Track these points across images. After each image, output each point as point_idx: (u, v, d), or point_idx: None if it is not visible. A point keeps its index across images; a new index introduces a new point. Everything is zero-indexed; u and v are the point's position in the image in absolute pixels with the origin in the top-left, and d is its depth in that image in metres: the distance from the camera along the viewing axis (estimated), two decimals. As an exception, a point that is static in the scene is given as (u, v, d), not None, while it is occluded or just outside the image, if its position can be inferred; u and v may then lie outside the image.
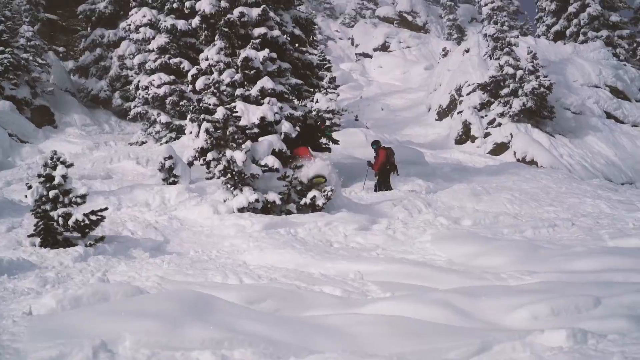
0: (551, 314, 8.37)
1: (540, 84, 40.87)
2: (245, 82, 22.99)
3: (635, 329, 7.41)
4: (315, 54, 35.06)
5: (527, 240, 16.33)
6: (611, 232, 17.32)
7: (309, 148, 19.87)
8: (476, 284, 11.72)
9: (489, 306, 8.92)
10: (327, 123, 23.86)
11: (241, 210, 19.02)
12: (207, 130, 20.46)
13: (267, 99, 22.42)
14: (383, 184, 24.45)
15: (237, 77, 22.74)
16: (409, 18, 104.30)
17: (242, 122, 21.19)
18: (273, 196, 19.94)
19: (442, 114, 48.95)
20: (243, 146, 19.70)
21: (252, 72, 22.72)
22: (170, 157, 22.17)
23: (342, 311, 9.10)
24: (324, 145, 25.91)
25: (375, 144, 25.52)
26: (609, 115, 46.12)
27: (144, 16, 36.72)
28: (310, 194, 19.91)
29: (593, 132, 43.30)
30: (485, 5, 51.27)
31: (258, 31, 23.43)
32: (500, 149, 40.79)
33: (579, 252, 14.11)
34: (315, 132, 20.70)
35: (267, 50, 22.83)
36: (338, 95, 46.29)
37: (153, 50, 35.30)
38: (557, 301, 8.60)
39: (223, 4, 23.68)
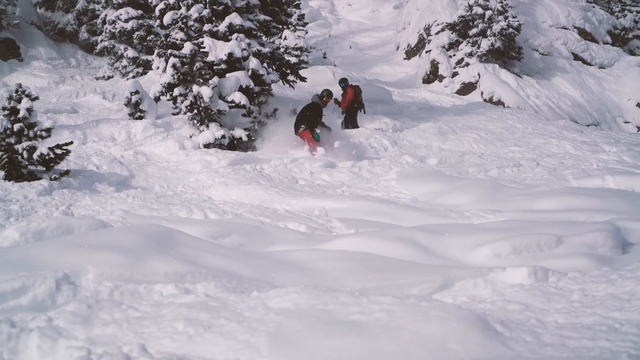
0: (513, 252, 8.41)
1: (509, 24, 40.82)
2: (214, 18, 22.72)
3: (595, 267, 7.49)
4: (285, -10, 34.78)
5: (492, 180, 16.43)
6: (575, 173, 17.47)
7: (313, 131, 19.65)
8: (440, 222, 11.79)
9: (452, 244, 8.94)
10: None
11: (207, 146, 19.07)
12: (174, 66, 20.34)
13: (235, 35, 22.20)
14: (350, 122, 24.39)
15: (205, 12, 22.47)
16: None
17: (210, 58, 21.03)
18: (240, 132, 20.09)
19: (411, 53, 48.76)
20: (210, 82, 19.67)
21: (220, 7, 22.46)
22: (136, 92, 22.06)
23: (306, 247, 9.15)
24: (290, 83, 25.84)
25: (343, 82, 25.27)
26: (577, 57, 46.22)
27: (112, -52, 36.22)
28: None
29: (560, 73, 43.41)
30: (456, -56, 50.98)
31: (227, -34, 23.01)
32: (467, 88, 40.79)
33: (542, 192, 14.19)
34: (319, 111, 20.37)
35: (235, -15, 22.48)
36: (306, 33, 45.94)
37: (121, -16, 34.92)
38: (519, 239, 8.62)
39: (192, -64, 23.34)
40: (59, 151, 14.48)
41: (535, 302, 6.17)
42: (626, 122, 42.23)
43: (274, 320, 4.97)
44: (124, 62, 34.73)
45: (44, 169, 14.50)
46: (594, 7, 50.82)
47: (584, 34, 47.77)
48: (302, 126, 19.72)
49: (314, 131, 19.58)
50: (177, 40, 21.59)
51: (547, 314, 5.78)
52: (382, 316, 5.07)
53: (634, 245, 9.25)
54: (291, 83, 26.11)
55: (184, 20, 21.87)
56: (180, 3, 22.71)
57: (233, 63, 22.14)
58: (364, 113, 24.94)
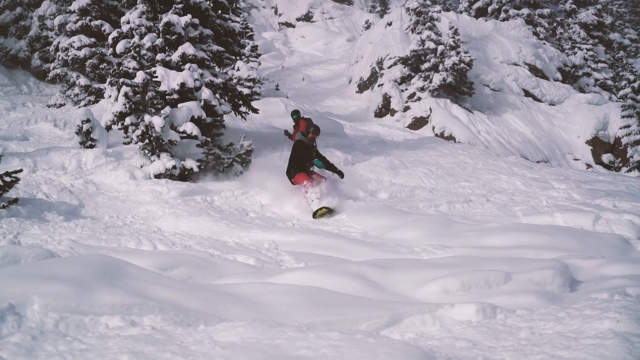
0: (462, 289, 8.39)
1: (461, 59, 41.33)
2: (167, 47, 22.76)
3: (543, 305, 7.53)
4: (238, 22, 34.81)
5: (442, 215, 16.49)
6: (524, 209, 17.61)
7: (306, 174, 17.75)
8: (390, 256, 11.82)
9: (401, 279, 8.93)
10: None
11: (158, 176, 19.00)
12: (126, 94, 20.29)
13: (187, 65, 22.21)
14: (301, 155, 24.22)
15: (159, 41, 22.50)
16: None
17: (162, 88, 21.03)
18: (190, 163, 19.97)
19: (363, 86, 49.10)
20: (162, 112, 19.64)
21: (173, 37, 22.49)
22: (88, 121, 21.92)
23: (255, 280, 9.09)
24: (242, 114, 25.88)
25: (295, 114, 25.52)
26: (527, 93, 46.92)
27: (65, -24, 36.14)
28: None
29: (511, 109, 43.99)
30: (409, -21, 51.54)
31: (181, -4, 23.08)
32: (419, 123, 41.13)
33: (492, 228, 14.28)
34: (308, 148, 18.55)
35: (189, 15, 22.57)
36: (259, 64, 46.14)
37: (74, 12, 34.77)
38: (468, 276, 8.61)
39: (146, -33, 23.36)
40: (7, 179, 14.31)
41: (483, 339, 6.18)
42: (575, 159, 42.85)
43: (220, 355, 4.92)
44: (76, 90, 34.55)
45: (-8, 196, 14.34)
46: (544, 44, 51.66)
47: (535, 71, 48.51)
48: (293, 170, 17.82)
49: (310, 170, 18.18)
50: (129, 69, 21.52)
51: (494, 351, 5.80)
52: (329, 352, 5.05)
53: (582, 283, 9.30)
54: (243, 114, 25.99)
55: (137, 49, 21.82)
56: (134, 32, 22.66)
57: (185, 93, 22.06)
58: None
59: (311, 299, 7.56)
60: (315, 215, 16.37)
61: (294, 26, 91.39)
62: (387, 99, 43.73)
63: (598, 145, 43.86)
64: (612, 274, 9.76)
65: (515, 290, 8.32)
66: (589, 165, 42.46)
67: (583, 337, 5.87)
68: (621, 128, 40.16)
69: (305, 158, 18.16)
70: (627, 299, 7.19)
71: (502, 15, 56.15)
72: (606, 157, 43.64)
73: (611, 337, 5.69)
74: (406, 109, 42.68)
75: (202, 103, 22.19)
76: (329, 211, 16.49)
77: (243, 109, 25.81)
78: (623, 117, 39.76)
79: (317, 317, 6.90)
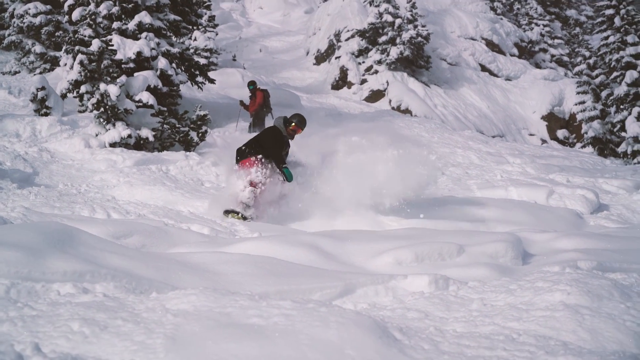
0: (415, 260, 8.44)
1: (418, 33, 41.45)
2: (123, 16, 22.64)
3: (495, 277, 7.58)
4: (196, -9, 34.67)
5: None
6: (479, 183, 17.81)
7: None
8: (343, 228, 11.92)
9: (354, 250, 8.96)
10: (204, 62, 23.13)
11: (113, 145, 18.88)
12: (81, 63, 20.20)
13: (144, 34, 22.18)
14: (257, 125, 24.47)
15: (115, 9, 22.40)
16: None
17: (118, 56, 20.99)
18: (146, 132, 19.94)
19: (320, 58, 49.01)
20: (118, 80, 19.55)
21: (130, 5, 22.45)
22: (43, 88, 21.66)
23: (209, 249, 9.08)
24: (199, 84, 25.85)
25: (252, 85, 25.51)
26: (484, 68, 47.18)
27: (21, -60, 35.65)
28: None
29: (468, 83, 44.22)
30: (368, -49, 51.43)
31: (138, -37, 22.93)
32: (376, 96, 41.19)
33: (445, 200, 14.42)
34: (281, 142, 13.83)
35: (146, -17, 22.40)
36: (217, 35, 45.78)
37: (29, -22, 34.41)
38: (422, 247, 8.65)
39: None
40: (-41, 146, 14.24)
41: (435, 310, 6.21)
42: (531, 135, 43.23)
43: (172, 322, 4.91)
44: (31, 57, 34.15)
45: (-56, 163, 14.24)
46: (502, 19, 51.94)
47: (492, 46, 48.78)
48: (248, 151, 13.56)
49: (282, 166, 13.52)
50: (85, 37, 21.36)
51: (446, 322, 5.83)
52: (280, 320, 5.06)
53: (534, 257, 9.41)
54: (200, 84, 26.19)
55: (93, 16, 21.64)
56: (90, -1, 22.51)
57: (142, 62, 22.14)
58: (272, 117, 24.89)
59: (264, 268, 7.55)
60: (226, 213, 13.16)
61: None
62: (344, 72, 43.71)
63: (553, 120, 44.25)
64: (564, 248, 9.91)
65: (468, 263, 8.40)
66: (543, 141, 42.86)
67: (534, 308, 5.93)
68: (576, 104, 40.41)
69: (274, 151, 13.53)
70: (578, 272, 7.21)
71: (461, -11, 56.29)
72: (561, 133, 44.06)
73: (562, 309, 5.76)
74: (363, 81, 42.72)
75: (158, 72, 22.28)
76: (242, 218, 13.08)
77: (200, 79, 26.05)
78: (578, 93, 39.99)
79: (269, 287, 6.88)
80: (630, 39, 36.21)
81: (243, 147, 13.71)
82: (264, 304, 5.44)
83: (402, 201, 12.53)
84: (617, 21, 37.06)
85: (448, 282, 7.21)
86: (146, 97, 20.93)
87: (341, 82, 43.56)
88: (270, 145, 13.52)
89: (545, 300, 6.08)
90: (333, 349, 4.63)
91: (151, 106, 21.12)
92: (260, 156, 13.30)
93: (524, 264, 9.04)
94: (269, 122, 24.54)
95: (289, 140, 14.07)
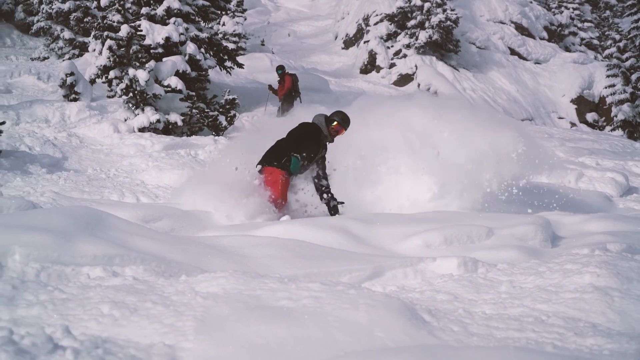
0: (444, 243, 8.31)
1: (447, 17, 41.25)
2: (151, 1, 22.71)
3: (524, 259, 7.49)
4: (224, -24, 34.70)
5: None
6: (508, 167, 17.70)
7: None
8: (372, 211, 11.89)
9: (383, 233, 8.84)
10: (233, 47, 23.29)
11: (142, 130, 18.99)
12: (110, 48, 20.23)
13: (172, 19, 22.24)
14: (287, 110, 24.41)
15: (143, -5, 22.47)
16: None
17: (147, 42, 21.02)
18: (175, 117, 20.03)
19: (349, 42, 48.92)
20: (146, 65, 19.63)
21: (158, -10, 22.36)
22: (72, 74, 21.78)
23: (237, 233, 9.04)
24: (227, 69, 25.90)
25: (281, 69, 25.34)
26: (513, 52, 46.90)
27: None
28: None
29: (496, 67, 43.99)
30: None
31: (167, -51, 22.97)
32: (404, 80, 41.10)
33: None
34: (318, 143, 11.35)
35: (174, -31, 22.45)
36: (245, 19, 45.73)
37: (58, -36, 34.55)
38: (451, 230, 8.53)
39: None
40: (-10, 131, 14.33)
41: (464, 292, 6.14)
42: (560, 118, 42.94)
43: (201, 305, 4.86)
44: (60, 43, 34.38)
45: (-25, 149, 14.34)
46: (531, 2, 51.53)
47: (521, 29, 48.48)
48: (275, 163, 10.90)
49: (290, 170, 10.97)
50: (114, 22, 21.43)
51: (475, 304, 5.78)
52: (310, 302, 5.01)
53: (564, 239, 9.29)
54: (228, 69, 26.29)
55: (122, 2, 21.72)
56: (118, -15, 22.58)
57: (170, 47, 22.24)
58: (300, 102, 25.24)
59: (293, 251, 7.50)
60: None
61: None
62: (372, 56, 43.62)
63: (582, 104, 43.97)
64: (593, 230, 9.79)
65: (497, 245, 8.28)
66: (573, 124, 42.59)
67: (563, 290, 5.87)
68: (606, 87, 40.24)
69: (306, 155, 11.11)
70: (607, 255, 7.12)
71: (489, -28, 55.97)
72: (590, 116, 43.76)
73: (591, 291, 5.71)
74: (392, 65, 42.61)
75: (186, 57, 22.33)
76: None
77: (228, 63, 26.15)
78: (608, 76, 39.82)
79: (298, 270, 6.78)
80: None
81: (274, 151, 11.01)
82: (292, 287, 5.41)
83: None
84: (648, 3, 36.83)
85: (477, 265, 7.13)
86: (175, 82, 20.98)
87: (370, 66, 43.48)
88: (304, 145, 11.01)
89: (574, 282, 6.05)
90: (362, 330, 4.61)
91: (180, 91, 21.17)
92: (286, 173, 10.83)
93: (553, 247, 8.93)
94: (297, 107, 24.60)
95: (327, 142, 11.50)
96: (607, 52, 41.80)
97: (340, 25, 51.21)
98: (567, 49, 50.21)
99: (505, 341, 4.77)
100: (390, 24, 43.84)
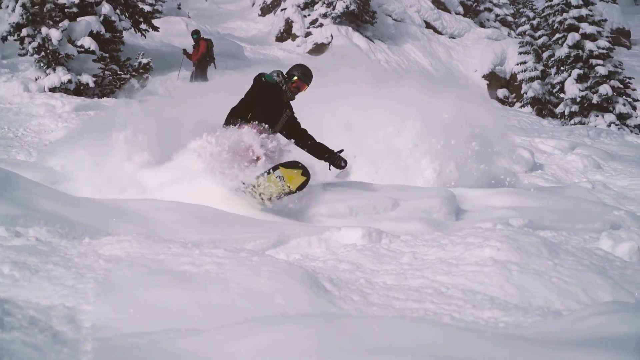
0: (350, 213, 8.55)
1: (365, -12, 41.47)
2: (67, -41, 22.45)
3: (427, 231, 7.68)
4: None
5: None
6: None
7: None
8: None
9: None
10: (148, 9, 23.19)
11: (53, 90, 18.89)
12: (23, 5, 19.96)
13: (88, -22, 22.04)
14: (199, 75, 24.42)
15: (60, -47, 22.20)
16: None
17: (61, 0, 20.74)
18: (87, 78, 20.01)
19: (266, 10, 48.69)
20: (60, 25, 19.50)
21: (74, -51, 22.09)
22: (-18, 30, 21.54)
23: (143, 196, 9.18)
24: (142, 32, 25.79)
25: (196, 34, 25.32)
26: (429, 25, 47.25)
27: None
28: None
29: (412, 40, 44.26)
30: None
31: None
32: (320, 49, 41.14)
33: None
34: (279, 103, 9.89)
35: None
36: (161, -18, 45.50)
37: None
38: (357, 201, 8.81)
39: None
40: None
41: (367, 262, 6.30)
42: (472, 93, 43.45)
43: (104, 268, 4.86)
44: (-29, -2, 33.72)
45: None
46: (449, -24, 51.96)
47: (437, 3, 48.91)
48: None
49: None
50: (27, -21, 21.19)
51: (376, 274, 5.93)
52: (212, 268, 5.07)
53: (468, 212, 9.60)
54: (143, 32, 26.25)
55: (36, -41, 21.46)
56: (33, -59, 22.27)
57: (85, 7, 22.03)
58: (215, 67, 25.23)
59: (199, 216, 7.63)
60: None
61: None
62: (289, 24, 43.54)
63: (494, 80, 44.52)
64: (497, 205, 10.13)
65: (401, 217, 8.53)
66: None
67: (464, 263, 6.06)
68: (517, 64, 40.84)
69: (272, 117, 9.73)
70: (509, 229, 7.39)
71: (409, -54, 56.20)
72: (501, 92, 44.31)
73: (491, 264, 5.92)
74: (307, 34, 42.60)
75: (101, 18, 22.16)
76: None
77: (143, 26, 26.07)
78: (520, 53, 40.43)
79: (203, 235, 6.93)
80: (574, 1, 36.59)
81: (231, 112, 9.66)
82: (196, 252, 5.47)
83: None
84: (562, -17, 37.45)
85: (381, 235, 7.29)
86: (88, 42, 20.87)
87: (285, 34, 43.40)
88: (268, 107, 9.66)
89: (475, 256, 6.21)
90: (263, 297, 4.70)
91: (93, 52, 21.06)
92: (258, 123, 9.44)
93: (457, 220, 9.22)
94: (211, 73, 24.64)
95: (290, 101, 10.05)
96: (520, 29, 42.44)
97: (257, -8, 51.04)
98: (482, 25, 50.79)
99: (403, 311, 4.93)
100: (308, -7, 43.91)
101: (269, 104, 9.53)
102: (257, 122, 9.28)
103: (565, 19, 36.28)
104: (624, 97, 33.38)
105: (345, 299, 5.05)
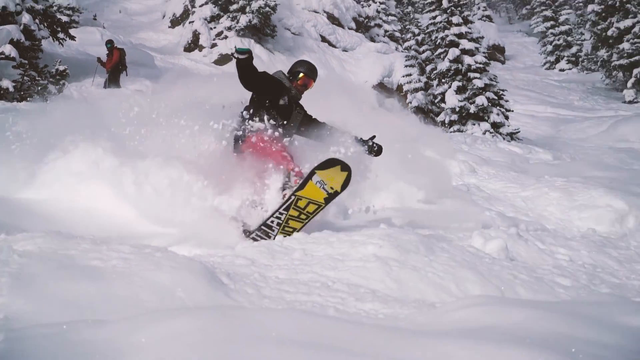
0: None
1: (267, 3, 42.52)
2: (-11, -29, 23.05)
3: (317, 230, 7.77)
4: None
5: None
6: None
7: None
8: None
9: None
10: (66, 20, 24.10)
11: (-30, 94, 19.26)
12: (-55, 13, 20.39)
13: (10, -11, 22.62)
14: (113, 82, 25.34)
15: (-19, -36, 22.82)
16: None
17: (-17, 10, 21.39)
18: (7, 83, 20.86)
19: (175, 22, 49.27)
20: (-20, 33, 20.00)
21: (-5, -39, 22.74)
22: None
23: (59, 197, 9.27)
24: (60, 40, 26.91)
25: (110, 43, 26.15)
26: (324, 39, 48.74)
27: None
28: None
29: (308, 52, 45.33)
30: None
31: None
32: (224, 59, 42.20)
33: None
34: (290, 108, 9.19)
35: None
36: (79, -6, 45.85)
37: None
38: (253, 199, 8.68)
39: None
40: None
41: (261, 258, 6.48)
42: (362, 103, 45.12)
43: (17, 262, 4.88)
44: None
45: None
46: (343, -6, 53.85)
47: (332, 19, 50.68)
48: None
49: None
50: (-50, -13, 21.81)
51: (270, 269, 6.17)
52: (118, 263, 5.22)
53: (356, 212, 9.50)
54: (61, 41, 26.96)
55: (-41, -31, 22.12)
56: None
57: (6, 16, 22.81)
58: (127, 75, 26.33)
59: (109, 217, 8.23)
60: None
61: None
62: (196, 36, 44.52)
63: (383, 90, 46.03)
64: (382, 206, 10.77)
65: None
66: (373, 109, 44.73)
67: (349, 259, 6.34)
68: (403, 76, 41.52)
69: (285, 117, 9.09)
70: (391, 228, 7.75)
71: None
72: (389, 102, 45.98)
73: (373, 260, 6.23)
74: (213, 45, 43.64)
75: (22, 27, 22.97)
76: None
77: (61, 35, 26.77)
78: (406, 66, 41.08)
79: (111, 232, 7.41)
80: (455, 19, 37.47)
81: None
82: (104, 248, 5.56)
83: None
84: (445, 2, 38.44)
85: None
86: (9, 49, 21.70)
87: (193, 45, 44.36)
88: (280, 108, 9.03)
89: (359, 252, 6.49)
90: (165, 290, 4.90)
91: (13, 58, 21.85)
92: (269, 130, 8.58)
93: (344, 219, 9.73)
94: (123, 80, 25.90)
95: (298, 99, 9.41)
96: (406, 44, 43.24)
97: (168, 5, 51.50)
98: (372, 39, 52.55)
99: (293, 304, 5.25)
100: (214, 7, 44.71)
101: (278, 106, 8.96)
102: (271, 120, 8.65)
103: (447, 36, 37.28)
104: (498, 107, 34.26)
105: (240, 291, 5.35)
